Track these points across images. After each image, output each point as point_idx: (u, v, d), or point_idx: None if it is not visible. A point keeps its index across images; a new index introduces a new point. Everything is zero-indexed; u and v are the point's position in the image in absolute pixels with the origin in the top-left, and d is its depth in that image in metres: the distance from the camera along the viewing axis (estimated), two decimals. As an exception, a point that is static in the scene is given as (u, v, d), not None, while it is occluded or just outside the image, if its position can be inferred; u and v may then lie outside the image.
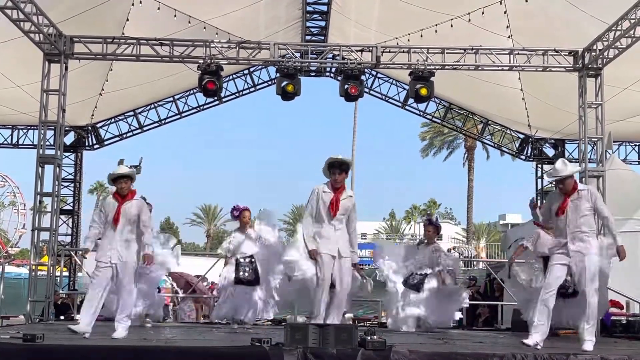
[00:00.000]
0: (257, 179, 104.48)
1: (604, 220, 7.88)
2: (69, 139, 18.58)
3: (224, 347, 6.44)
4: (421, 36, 14.36)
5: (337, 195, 8.30)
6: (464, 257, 31.86)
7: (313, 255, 8.23)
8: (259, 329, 10.48)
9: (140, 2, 13.82)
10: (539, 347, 7.15)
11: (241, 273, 10.69)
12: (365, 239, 46.80)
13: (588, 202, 7.61)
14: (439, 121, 21.25)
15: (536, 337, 7.31)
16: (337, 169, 8.28)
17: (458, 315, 11.39)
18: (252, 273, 10.59)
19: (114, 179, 8.15)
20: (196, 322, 14.01)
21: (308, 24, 16.86)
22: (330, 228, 8.30)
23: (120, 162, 8.32)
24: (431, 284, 10.64)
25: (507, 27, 14.39)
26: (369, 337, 6.15)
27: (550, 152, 19.79)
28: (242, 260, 10.70)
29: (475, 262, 29.43)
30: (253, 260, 10.65)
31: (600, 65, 12.69)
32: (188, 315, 15.30)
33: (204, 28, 14.67)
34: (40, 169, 12.34)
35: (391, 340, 6.61)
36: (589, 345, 7.20)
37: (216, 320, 11.52)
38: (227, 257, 10.87)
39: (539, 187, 19.83)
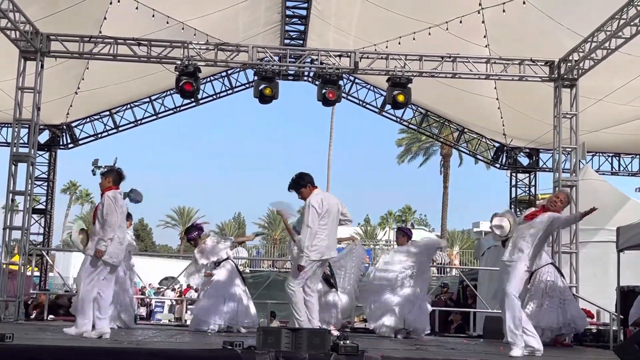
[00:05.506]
0: (232, 181, 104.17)
1: None
2: (44, 137, 18.41)
3: (196, 350, 6.41)
4: (399, 43, 14.40)
5: None
6: (437, 263, 31.93)
7: None
8: (232, 332, 10.42)
9: (119, 1, 13.73)
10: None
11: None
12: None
13: None
14: (416, 128, 21.35)
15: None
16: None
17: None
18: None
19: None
20: (168, 324, 13.90)
21: (287, 27, 16.88)
22: None
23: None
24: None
25: (485, 36, 14.50)
26: (341, 342, 6.14)
27: (524, 161, 19.99)
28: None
29: (448, 269, 29.50)
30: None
31: (576, 76, 12.82)
32: None
33: (182, 29, 14.60)
34: (13, 167, 12.23)
35: (364, 345, 6.62)
36: None
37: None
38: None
39: (513, 195, 20.00)
